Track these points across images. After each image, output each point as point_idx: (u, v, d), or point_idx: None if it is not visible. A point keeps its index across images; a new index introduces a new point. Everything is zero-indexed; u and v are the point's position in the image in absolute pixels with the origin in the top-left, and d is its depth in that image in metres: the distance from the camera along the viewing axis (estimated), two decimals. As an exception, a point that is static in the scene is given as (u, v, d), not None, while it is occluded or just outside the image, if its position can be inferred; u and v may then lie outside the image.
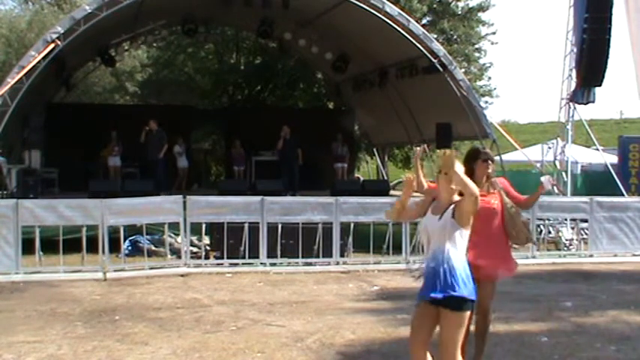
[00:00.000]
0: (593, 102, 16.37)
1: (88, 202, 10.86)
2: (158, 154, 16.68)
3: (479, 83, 28.03)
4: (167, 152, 17.62)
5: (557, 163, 17.08)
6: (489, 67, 28.89)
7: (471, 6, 27.45)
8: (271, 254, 11.09)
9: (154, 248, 11.86)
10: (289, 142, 17.90)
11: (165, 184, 16.59)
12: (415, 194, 5.05)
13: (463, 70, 22.80)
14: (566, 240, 13.76)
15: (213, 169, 28.43)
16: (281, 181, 16.74)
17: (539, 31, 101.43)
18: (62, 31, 13.92)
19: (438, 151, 4.89)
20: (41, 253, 10.46)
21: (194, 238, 11.55)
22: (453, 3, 27.07)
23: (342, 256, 11.49)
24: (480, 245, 5.19)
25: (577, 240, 13.48)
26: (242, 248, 11.12)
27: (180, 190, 15.95)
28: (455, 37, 26.74)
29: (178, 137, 19.04)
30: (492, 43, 31.86)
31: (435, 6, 26.39)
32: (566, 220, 13.84)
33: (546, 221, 13.45)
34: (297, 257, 11.21)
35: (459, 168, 4.52)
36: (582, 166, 20.05)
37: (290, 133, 17.88)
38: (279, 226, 11.21)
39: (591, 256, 12.61)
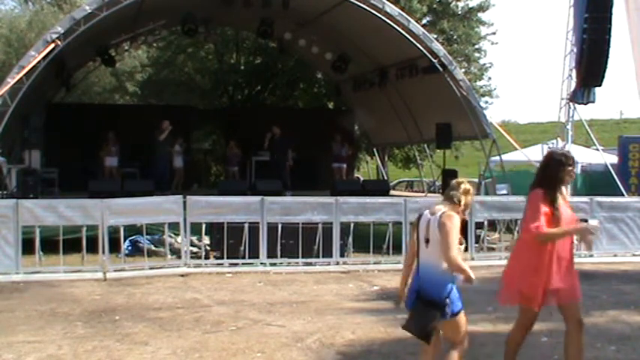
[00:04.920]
0: (593, 102, 16.37)
1: (88, 202, 10.85)
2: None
3: (479, 83, 28.03)
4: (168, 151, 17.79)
5: (557, 163, 17.04)
6: (489, 67, 28.94)
7: (470, 6, 27.47)
8: (271, 254, 11.09)
9: (154, 248, 11.85)
10: (279, 143, 17.85)
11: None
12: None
13: (463, 70, 22.80)
14: (566, 240, 13.73)
15: (213, 169, 28.45)
16: (280, 181, 16.74)
17: (539, 31, 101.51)
18: (62, 31, 13.91)
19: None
20: (41, 253, 10.46)
21: (194, 238, 11.54)
22: (453, 3, 27.06)
23: (342, 256, 11.49)
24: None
25: (577, 240, 13.44)
26: (242, 248, 11.12)
27: (178, 190, 15.94)
28: (455, 37, 26.73)
29: (178, 137, 19.06)
30: (492, 43, 31.95)
31: (435, 6, 26.37)
32: (566, 220, 13.82)
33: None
34: (297, 257, 11.21)
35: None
36: (582, 166, 20.01)
37: (280, 134, 17.84)
38: (279, 226, 11.20)
39: (591, 256, 12.59)
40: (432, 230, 4.68)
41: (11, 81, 13.45)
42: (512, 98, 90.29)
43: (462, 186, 4.79)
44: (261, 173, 18.96)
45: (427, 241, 4.70)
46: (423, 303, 4.61)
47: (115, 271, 10.37)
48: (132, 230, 11.50)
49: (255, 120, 21.61)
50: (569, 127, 16.82)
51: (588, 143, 20.51)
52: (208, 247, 11.62)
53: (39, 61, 13.65)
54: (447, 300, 4.62)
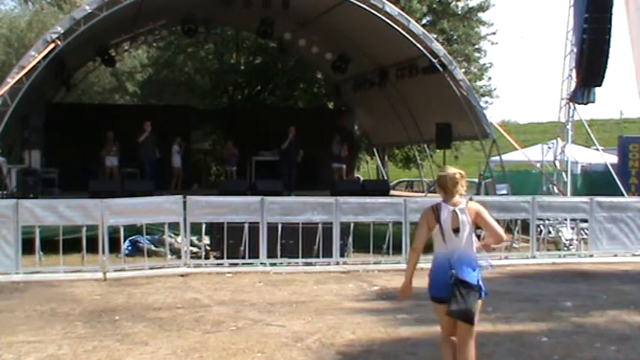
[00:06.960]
0: (593, 102, 16.35)
1: (88, 202, 10.85)
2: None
3: (479, 83, 28.02)
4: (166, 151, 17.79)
5: (557, 163, 17.06)
6: (489, 67, 28.93)
7: (470, 6, 27.46)
8: (271, 254, 11.09)
9: (154, 248, 11.85)
10: (293, 143, 17.87)
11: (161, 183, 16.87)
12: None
13: (463, 70, 22.79)
14: (566, 240, 13.76)
15: (212, 169, 28.45)
16: (281, 181, 16.72)
17: (539, 31, 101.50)
18: (62, 31, 13.90)
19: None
20: (41, 253, 10.46)
21: (194, 238, 11.54)
22: (453, 3, 27.06)
23: (342, 256, 11.49)
24: None
25: (577, 240, 13.48)
26: (242, 248, 11.12)
27: (176, 190, 15.93)
28: (455, 37, 26.73)
29: (177, 137, 19.08)
30: (492, 43, 31.89)
31: (435, 6, 26.37)
32: (566, 220, 13.84)
33: (546, 221, 13.46)
34: (297, 257, 11.21)
35: None
36: (582, 166, 20.01)
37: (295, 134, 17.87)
38: (279, 226, 11.21)
39: (591, 256, 12.62)
40: (460, 220, 4.89)
41: (11, 81, 13.44)
42: (512, 98, 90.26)
43: (442, 180, 5.02)
44: (261, 173, 18.96)
45: (456, 230, 4.89)
46: (464, 287, 4.81)
47: (115, 271, 10.37)
48: (132, 230, 11.50)
49: (255, 120, 21.62)
50: (569, 127, 16.79)
51: (588, 143, 20.49)
52: (208, 247, 11.62)
53: (39, 61, 13.64)
54: (481, 283, 4.89)
